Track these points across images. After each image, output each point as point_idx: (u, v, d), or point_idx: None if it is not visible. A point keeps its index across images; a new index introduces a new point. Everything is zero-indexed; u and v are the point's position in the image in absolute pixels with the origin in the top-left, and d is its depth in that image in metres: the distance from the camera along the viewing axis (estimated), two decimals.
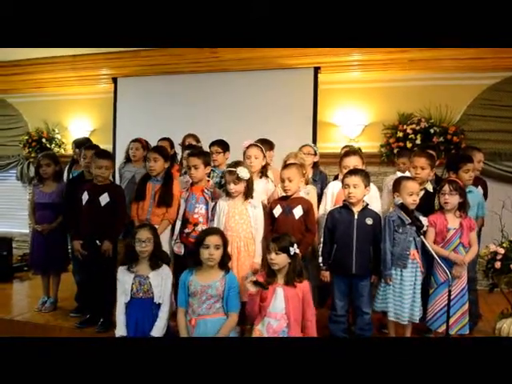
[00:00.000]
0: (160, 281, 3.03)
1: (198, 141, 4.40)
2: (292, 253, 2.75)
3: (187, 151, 3.93)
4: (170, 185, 3.67)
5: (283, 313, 2.75)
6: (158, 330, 2.96)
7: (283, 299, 2.76)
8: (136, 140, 4.44)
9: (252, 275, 2.95)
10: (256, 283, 2.76)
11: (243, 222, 3.29)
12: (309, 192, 3.56)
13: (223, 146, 4.09)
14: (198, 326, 2.82)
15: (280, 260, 2.76)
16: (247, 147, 3.68)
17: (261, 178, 3.68)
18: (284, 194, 3.35)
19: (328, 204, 3.53)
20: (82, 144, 4.44)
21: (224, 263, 2.91)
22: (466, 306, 3.19)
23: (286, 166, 3.38)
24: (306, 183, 3.65)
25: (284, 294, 2.76)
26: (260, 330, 2.80)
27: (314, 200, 3.56)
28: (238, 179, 3.24)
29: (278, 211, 3.30)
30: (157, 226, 3.41)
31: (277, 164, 4.11)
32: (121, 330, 2.98)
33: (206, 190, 3.49)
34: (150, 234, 3.02)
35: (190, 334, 2.85)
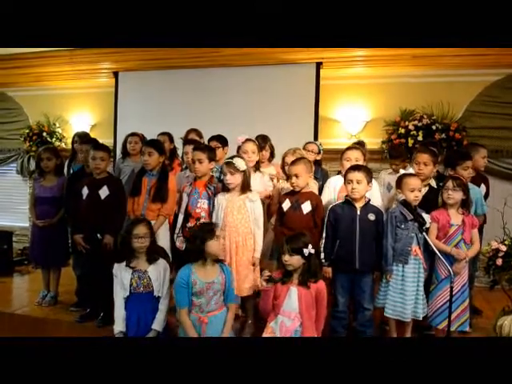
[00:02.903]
0: (158, 274, 3.03)
1: (200, 136, 4.38)
2: (306, 254, 2.72)
3: (189, 146, 3.92)
4: (166, 180, 3.64)
5: (296, 312, 2.73)
6: (159, 322, 2.98)
7: (297, 299, 2.74)
8: (134, 134, 4.44)
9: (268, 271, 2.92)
10: (269, 280, 2.76)
11: (241, 218, 3.28)
12: (310, 187, 3.55)
13: (222, 141, 4.07)
14: (210, 323, 2.79)
15: (294, 261, 2.73)
16: (243, 142, 3.70)
17: (255, 172, 3.70)
18: (291, 189, 3.35)
19: (330, 196, 3.54)
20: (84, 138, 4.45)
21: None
22: (467, 303, 3.21)
23: (293, 162, 3.35)
24: None
25: (298, 293, 2.74)
26: (273, 328, 2.78)
27: None
28: (235, 170, 3.24)
29: (286, 205, 3.31)
30: (153, 222, 3.40)
31: (276, 159, 4.13)
32: (120, 326, 2.97)
33: (209, 186, 3.47)
34: (147, 229, 3.01)
35: (202, 332, 2.79)
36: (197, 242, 2.82)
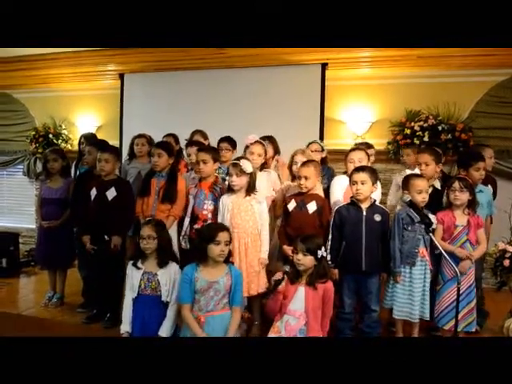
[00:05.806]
0: (168, 279, 2.97)
1: (205, 137, 4.38)
2: (319, 256, 2.74)
3: (191, 147, 3.94)
4: (175, 181, 3.65)
5: (302, 311, 2.74)
6: (167, 329, 2.91)
7: (303, 298, 2.74)
8: (141, 135, 4.42)
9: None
10: (276, 282, 2.76)
11: (249, 219, 3.29)
12: (316, 188, 3.55)
13: (233, 143, 4.06)
14: (207, 322, 2.74)
15: (307, 261, 2.75)
16: (252, 143, 3.69)
17: (261, 171, 3.71)
18: (298, 191, 3.35)
19: (338, 192, 3.54)
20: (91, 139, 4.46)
21: (227, 258, 2.88)
22: (473, 304, 3.20)
23: (304, 163, 3.37)
24: None
25: (305, 293, 2.75)
26: (278, 327, 2.80)
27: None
28: (241, 172, 3.25)
29: (291, 206, 3.32)
30: None
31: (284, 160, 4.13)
32: (126, 326, 2.96)
33: (214, 187, 3.48)
34: (152, 232, 2.96)
35: None
36: (200, 242, 2.83)
